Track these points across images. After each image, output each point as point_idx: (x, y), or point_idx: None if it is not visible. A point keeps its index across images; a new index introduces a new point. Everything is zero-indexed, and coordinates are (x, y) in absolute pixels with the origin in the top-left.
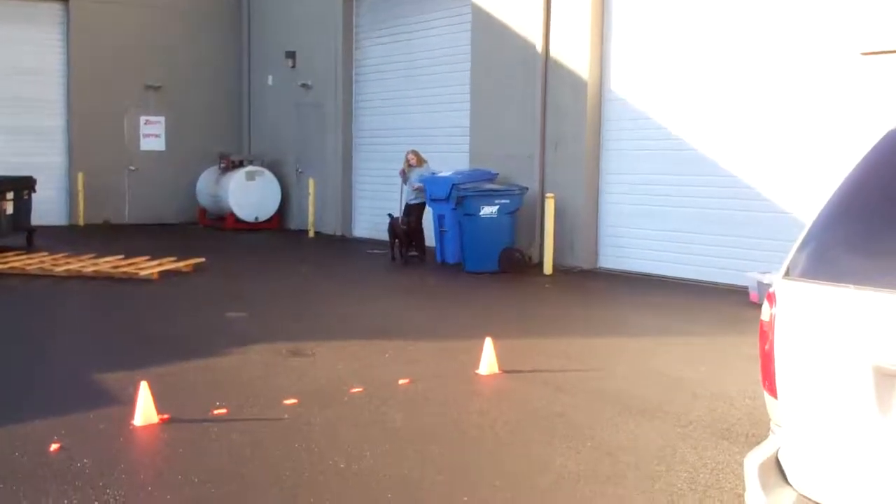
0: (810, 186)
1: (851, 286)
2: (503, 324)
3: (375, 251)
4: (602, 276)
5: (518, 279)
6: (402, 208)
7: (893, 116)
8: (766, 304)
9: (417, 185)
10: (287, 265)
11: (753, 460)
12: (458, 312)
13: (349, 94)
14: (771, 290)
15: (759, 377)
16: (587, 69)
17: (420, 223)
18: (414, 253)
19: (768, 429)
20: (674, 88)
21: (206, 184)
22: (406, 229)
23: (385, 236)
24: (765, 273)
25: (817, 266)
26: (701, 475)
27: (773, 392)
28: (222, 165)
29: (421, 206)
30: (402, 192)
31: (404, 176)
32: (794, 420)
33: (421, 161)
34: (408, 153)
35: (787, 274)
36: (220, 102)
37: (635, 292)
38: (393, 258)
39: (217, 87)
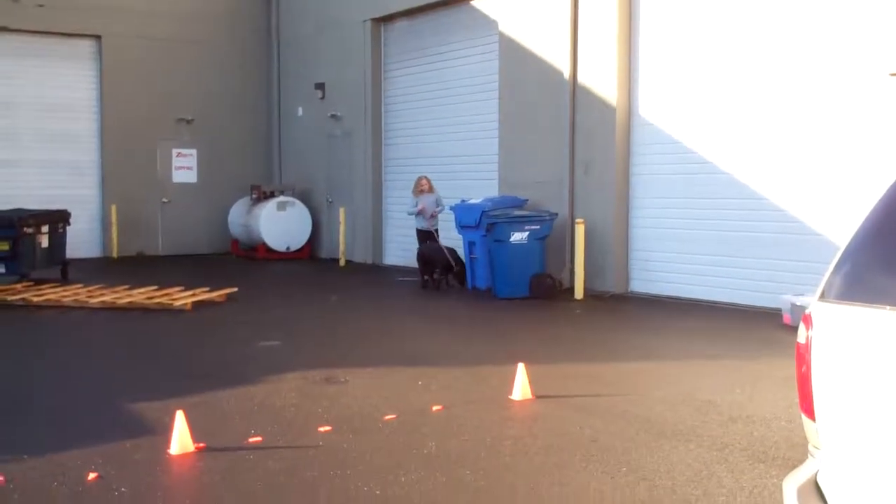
0: (843, 207)
1: (887, 307)
2: (535, 349)
3: (406, 279)
4: (633, 301)
5: (549, 305)
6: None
7: None
8: (802, 327)
9: (437, 209)
10: (318, 294)
11: (792, 484)
12: (489, 338)
13: (378, 123)
14: (807, 312)
15: (796, 400)
16: (615, 94)
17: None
18: (439, 276)
19: (806, 452)
20: (702, 112)
21: (237, 214)
22: (447, 261)
23: (415, 263)
24: (798, 295)
25: (853, 288)
26: (738, 499)
27: (810, 415)
28: (254, 196)
29: (434, 234)
30: (426, 222)
31: (424, 210)
32: (834, 443)
33: (432, 187)
34: (421, 179)
35: (822, 296)
36: (252, 134)
37: (667, 316)
38: (424, 285)
39: (248, 120)
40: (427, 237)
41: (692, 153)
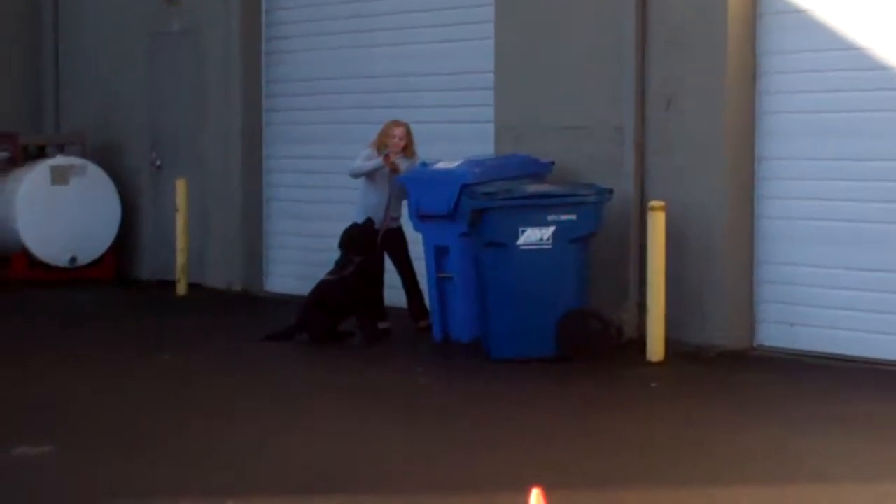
0: None
1: None
2: (563, 461)
3: None
4: (763, 365)
5: (596, 372)
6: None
7: None
8: None
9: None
10: (134, 350)
11: None
12: (474, 441)
13: (255, 14)
14: None
15: None
16: None
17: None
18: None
19: None
20: None
21: None
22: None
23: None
24: None
25: None
26: None
27: None
28: (2, 156)
29: (398, 235)
30: (387, 203)
31: (393, 166)
32: None
33: (412, 145)
34: (394, 128)
35: None
36: None
37: (828, 396)
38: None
39: None
40: (376, 243)
41: (883, 68)
